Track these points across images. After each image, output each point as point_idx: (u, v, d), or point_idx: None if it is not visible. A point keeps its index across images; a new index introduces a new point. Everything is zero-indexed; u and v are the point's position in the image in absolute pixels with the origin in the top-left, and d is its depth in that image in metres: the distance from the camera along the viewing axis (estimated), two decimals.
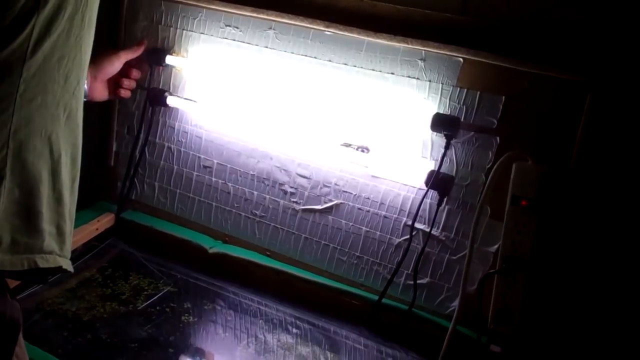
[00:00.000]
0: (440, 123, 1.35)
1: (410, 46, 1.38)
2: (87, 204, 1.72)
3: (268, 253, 1.60)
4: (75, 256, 1.56)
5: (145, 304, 1.47)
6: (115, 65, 1.52)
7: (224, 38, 1.57)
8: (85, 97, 1.06)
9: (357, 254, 1.51)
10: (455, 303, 1.39)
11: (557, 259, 1.29)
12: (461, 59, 1.35)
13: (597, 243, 1.27)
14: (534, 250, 1.27)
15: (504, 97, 1.32)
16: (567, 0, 1.25)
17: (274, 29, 1.51)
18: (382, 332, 1.45)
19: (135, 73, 1.59)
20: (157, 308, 1.46)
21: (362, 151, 1.44)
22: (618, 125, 1.23)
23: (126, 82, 1.57)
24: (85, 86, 1.14)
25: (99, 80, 1.51)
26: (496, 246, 1.35)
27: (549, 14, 1.27)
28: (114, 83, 1.56)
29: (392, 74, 1.41)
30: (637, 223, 1.23)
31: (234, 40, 1.56)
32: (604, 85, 1.23)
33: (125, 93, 1.58)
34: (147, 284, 1.55)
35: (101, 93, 1.54)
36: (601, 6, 1.23)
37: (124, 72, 1.56)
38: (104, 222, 1.70)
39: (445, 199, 1.39)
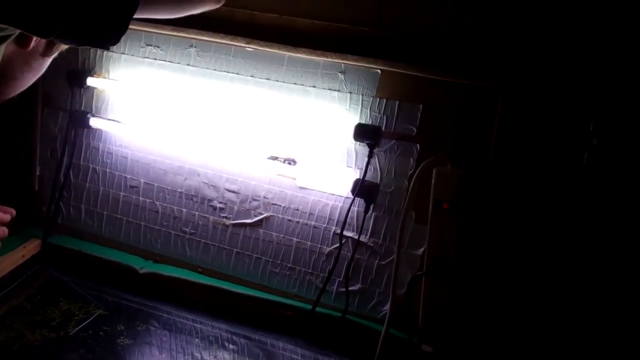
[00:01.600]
0: (362, 133, 1.39)
1: (329, 60, 1.41)
2: (12, 231, 1.68)
3: (200, 270, 1.60)
4: (2, 285, 1.53)
5: (77, 329, 1.44)
6: None
7: (145, 57, 1.57)
8: None
9: (289, 265, 1.53)
10: (387, 307, 1.43)
11: (480, 258, 1.34)
12: (379, 71, 1.39)
13: (516, 239, 1.33)
14: (457, 250, 1.32)
15: (421, 106, 1.37)
16: (477, 11, 1.31)
17: (195, 47, 1.53)
18: (318, 341, 1.47)
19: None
20: (90, 332, 1.44)
21: (289, 163, 1.46)
22: (528, 127, 1.30)
23: None
24: None
25: None
26: (422, 249, 1.39)
27: (460, 25, 1.33)
28: None
29: (314, 87, 1.44)
30: (552, 219, 1.29)
31: (155, 59, 1.56)
32: (514, 91, 1.29)
33: None
34: (78, 308, 1.52)
35: None
36: (509, 17, 1.29)
37: None
38: (30, 248, 1.67)
39: (371, 206, 1.43)
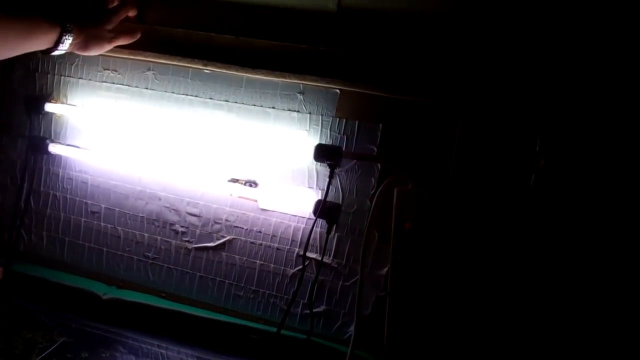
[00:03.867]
0: (322, 153, 1.38)
1: (288, 80, 1.40)
2: None
3: (164, 295, 1.58)
4: None
5: (40, 357, 1.42)
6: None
7: (102, 82, 1.55)
8: None
9: (253, 287, 1.51)
10: (352, 328, 1.42)
11: (444, 276, 1.33)
12: (338, 91, 1.38)
13: (476, 257, 1.32)
14: (420, 270, 1.31)
15: (381, 125, 1.37)
16: (437, 32, 1.32)
17: (152, 70, 1.51)
18: None
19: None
20: None
21: (250, 185, 1.45)
22: (486, 146, 1.30)
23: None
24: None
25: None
26: (386, 269, 1.38)
27: (419, 45, 1.33)
28: None
29: (273, 108, 1.43)
30: (505, 238, 1.29)
31: (113, 83, 1.55)
32: (472, 110, 1.29)
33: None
34: (41, 336, 1.49)
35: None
36: (467, 37, 1.30)
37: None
38: None
39: (334, 227, 1.41)
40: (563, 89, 1.25)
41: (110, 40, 1.44)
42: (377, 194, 1.35)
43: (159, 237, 1.57)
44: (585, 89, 1.25)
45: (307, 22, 1.40)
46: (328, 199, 1.40)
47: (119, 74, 1.54)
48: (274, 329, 1.47)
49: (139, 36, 1.48)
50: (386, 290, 1.37)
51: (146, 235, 1.57)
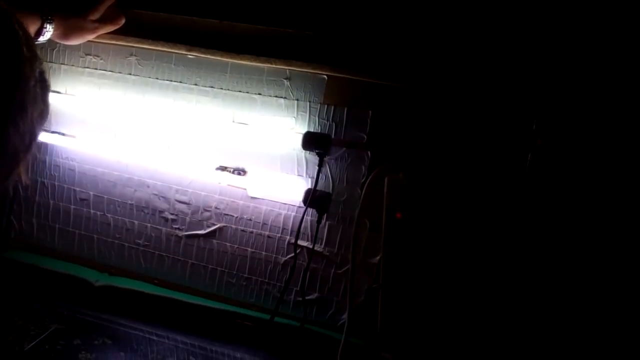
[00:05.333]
0: (311, 142, 1.34)
1: (274, 66, 1.36)
2: None
3: (156, 281, 1.57)
4: None
5: (32, 344, 1.41)
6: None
7: (85, 67, 1.51)
8: None
9: (246, 275, 1.49)
10: (346, 315, 1.40)
11: (435, 264, 1.31)
12: (325, 76, 1.34)
13: (469, 243, 1.30)
14: (412, 259, 1.29)
15: (370, 112, 1.32)
16: (427, 18, 1.27)
17: (135, 55, 1.46)
18: (278, 352, 1.45)
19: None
20: (46, 347, 1.41)
21: (239, 173, 1.42)
22: (479, 131, 1.26)
23: None
24: None
25: None
26: (378, 257, 1.36)
27: (408, 31, 1.28)
28: None
29: (260, 94, 1.39)
30: (501, 222, 1.26)
31: (96, 69, 1.50)
32: (463, 96, 1.25)
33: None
34: (33, 323, 1.49)
35: None
36: (457, 24, 1.24)
37: None
38: None
39: (324, 216, 1.39)
40: (556, 74, 1.21)
41: (93, 30, 1.39)
42: (366, 184, 1.32)
43: (149, 225, 1.54)
44: (581, 72, 1.20)
45: (292, 5, 1.34)
46: (318, 187, 1.37)
47: (101, 59, 1.49)
48: (267, 316, 1.46)
49: (122, 23, 1.43)
50: (378, 282, 1.35)
51: (136, 222, 1.55)
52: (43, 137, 1.55)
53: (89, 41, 1.46)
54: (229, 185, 1.45)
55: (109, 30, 1.42)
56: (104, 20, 1.41)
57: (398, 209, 1.29)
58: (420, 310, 1.34)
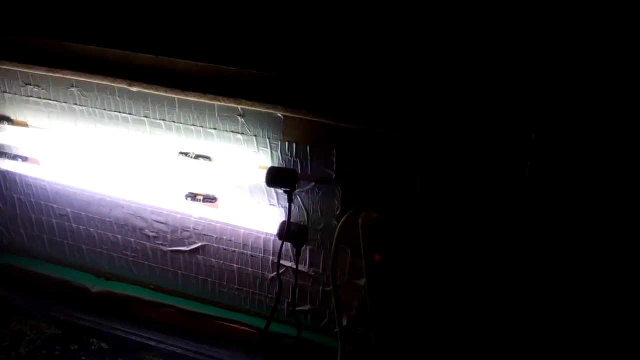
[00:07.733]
0: (276, 179, 1.23)
1: (223, 104, 1.20)
2: None
3: (152, 287, 1.56)
4: None
5: (29, 349, 1.46)
6: None
7: (29, 97, 1.37)
8: None
9: (236, 286, 1.47)
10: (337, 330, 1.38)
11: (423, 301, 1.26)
12: (281, 116, 1.18)
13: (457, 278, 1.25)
14: (394, 300, 1.26)
15: (335, 151, 1.18)
16: (392, 61, 1.10)
17: (76, 87, 1.32)
18: (273, 356, 1.46)
19: None
20: (43, 352, 1.46)
21: (209, 201, 1.33)
22: (451, 173, 1.14)
23: None
24: None
25: None
26: (364, 280, 1.29)
27: (369, 72, 1.12)
28: None
29: (215, 129, 1.25)
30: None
31: (39, 98, 1.36)
32: (433, 139, 1.10)
33: None
34: (30, 328, 1.53)
35: None
36: (422, 66, 1.07)
37: None
38: None
39: (302, 249, 1.31)
40: (554, 84, 1.06)
41: None
42: (338, 227, 1.21)
43: (132, 239, 1.50)
44: (579, 82, 1.06)
45: (240, 42, 1.16)
46: (293, 217, 1.28)
47: (42, 89, 1.35)
48: (263, 322, 1.44)
49: None
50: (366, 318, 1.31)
51: (119, 237, 1.51)
52: (5, 165, 1.47)
53: (26, 70, 1.32)
54: (199, 213, 1.37)
55: None
56: None
57: (376, 250, 1.20)
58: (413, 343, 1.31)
